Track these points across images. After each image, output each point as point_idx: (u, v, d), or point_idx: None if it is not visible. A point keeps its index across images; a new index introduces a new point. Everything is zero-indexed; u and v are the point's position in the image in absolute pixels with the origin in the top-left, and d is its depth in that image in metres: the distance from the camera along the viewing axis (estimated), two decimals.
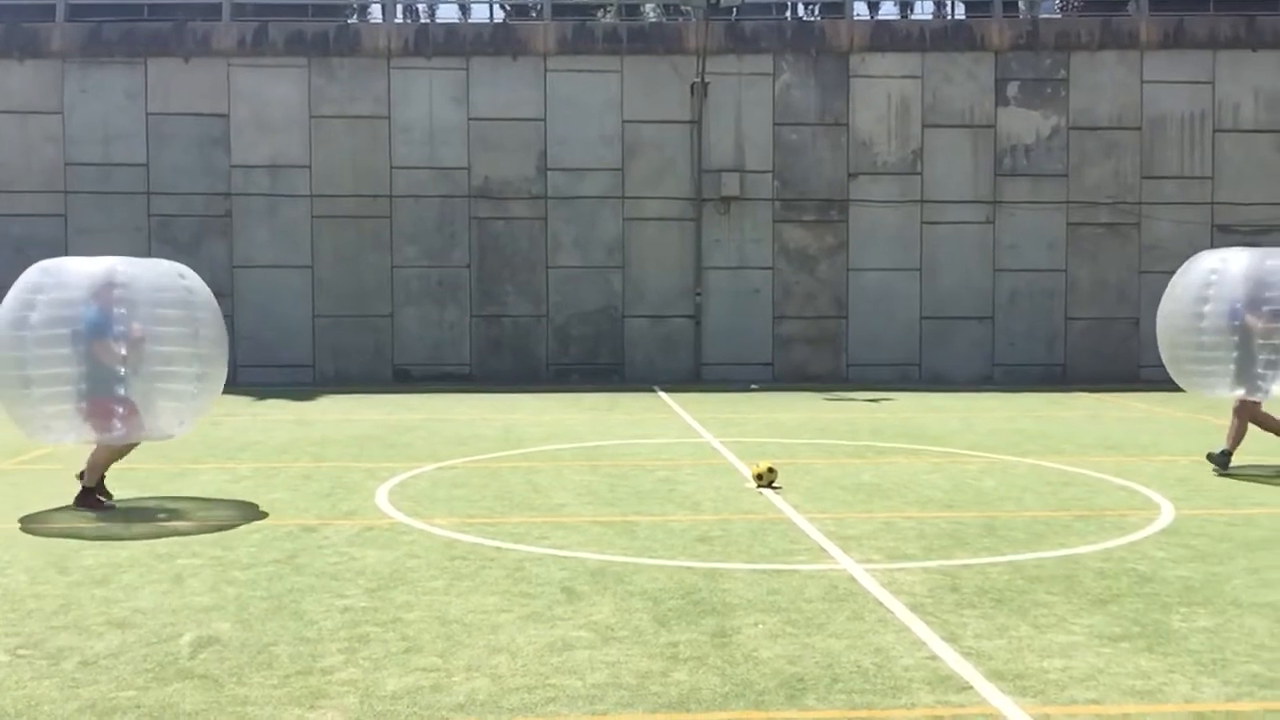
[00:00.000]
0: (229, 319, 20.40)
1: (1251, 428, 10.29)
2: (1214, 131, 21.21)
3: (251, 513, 8.33)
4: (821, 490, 9.26)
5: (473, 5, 23.92)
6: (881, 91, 21.04)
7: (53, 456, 10.61)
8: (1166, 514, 8.23)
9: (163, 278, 8.22)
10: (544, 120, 20.83)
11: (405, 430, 13.33)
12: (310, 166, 20.70)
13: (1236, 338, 9.86)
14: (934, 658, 4.96)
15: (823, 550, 7.07)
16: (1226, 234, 21.12)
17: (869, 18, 22.85)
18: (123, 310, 7.83)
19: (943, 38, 21.31)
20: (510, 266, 20.84)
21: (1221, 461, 10.17)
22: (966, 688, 4.60)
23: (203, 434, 13.14)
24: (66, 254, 20.40)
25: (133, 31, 20.71)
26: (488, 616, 5.58)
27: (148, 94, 20.59)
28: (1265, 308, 9.74)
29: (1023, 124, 21.15)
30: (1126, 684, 4.64)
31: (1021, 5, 22.68)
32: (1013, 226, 21.03)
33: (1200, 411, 15.59)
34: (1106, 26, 21.36)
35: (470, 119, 20.80)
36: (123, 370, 7.85)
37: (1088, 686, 4.61)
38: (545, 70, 20.84)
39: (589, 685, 4.61)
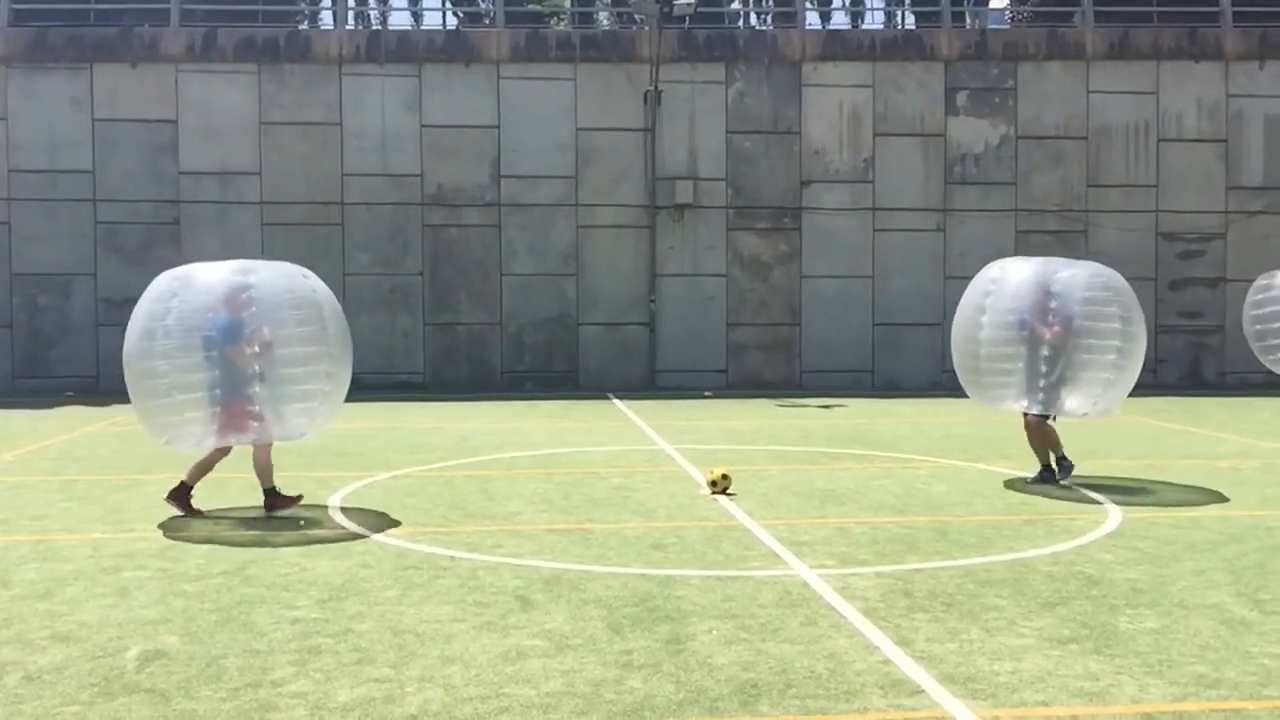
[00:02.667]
0: None
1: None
2: (1158, 141, 21.60)
3: (200, 524, 8.21)
4: (775, 496, 9.29)
5: (425, 12, 23.84)
6: (833, 100, 21.21)
7: None
8: (1114, 517, 8.35)
9: (289, 279, 8.27)
10: (498, 127, 20.78)
11: (358, 439, 13.21)
12: (260, 173, 20.50)
13: (1024, 348, 9.46)
14: (886, 662, 4.99)
15: (776, 556, 7.09)
16: (1170, 241, 21.51)
17: (820, 27, 23.06)
18: (253, 312, 7.87)
19: (893, 47, 21.53)
20: (464, 274, 20.75)
21: (1066, 469, 9.80)
22: (919, 691, 4.63)
23: (150, 444, 12.94)
24: (10, 261, 20.08)
25: (78, 37, 20.41)
26: (441, 626, 5.54)
27: (94, 100, 20.30)
28: (1051, 317, 9.37)
29: (972, 133, 21.41)
30: (1075, 686, 4.69)
31: (969, 16, 22.98)
32: (963, 234, 21.27)
33: (1149, 416, 15.84)
34: (1053, 37, 21.69)
35: (423, 126, 20.70)
36: (254, 374, 7.87)
37: (1037, 689, 4.66)
38: (499, 77, 20.80)
39: (543, 694, 4.59)
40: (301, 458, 11.68)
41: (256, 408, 7.96)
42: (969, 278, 21.85)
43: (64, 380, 20.04)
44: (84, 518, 8.45)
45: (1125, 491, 9.53)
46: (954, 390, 20.49)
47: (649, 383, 20.80)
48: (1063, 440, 9.93)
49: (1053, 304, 9.40)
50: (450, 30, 22.29)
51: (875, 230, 21.20)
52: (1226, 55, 21.61)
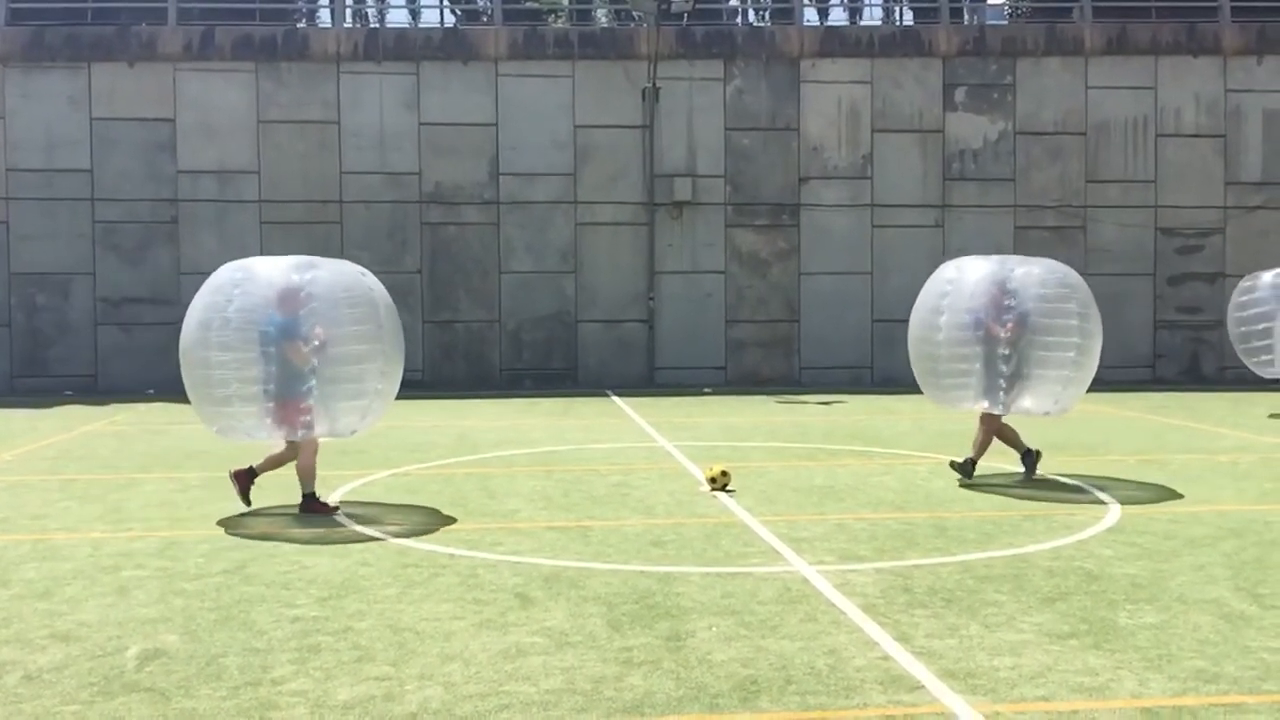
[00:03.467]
0: (175, 326, 20.27)
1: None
2: (1156, 136, 21.60)
3: (200, 522, 8.21)
4: (774, 493, 9.29)
5: (423, 9, 23.83)
6: (831, 97, 21.20)
7: None
8: (1113, 513, 8.35)
9: (348, 277, 8.31)
10: (496, 125, 20.77)
11: (357, 437, 13.19)
12: (259, 172, 20.49)
13: (981, 348, 9.38)
14: (886, 658, 4.99)
15: (776, 553, 7.10)
16: (1169, 236, 21.51)
17: (819, 24, 23.04)
18: (311, 310, 7.89)
19: (891, 44, 21.52)
20: (462, 272, 20.74)
21: (966, 470, 9.71)
22: (918, 687, 4.63)
23: (149, 443, 12.96)
24: (8, 260, 20.07)
25: (76, 36, 20.39)
26: (440, 624, 5.54)
27: (91, 99, 20.28)
28: (1005, 316, 9.26)
29: (970, 129, 21.41)
30: (1075, 681, 4.69)
31: (967, 12, 22.97)
32: (961, 230, 21.26)
33: (1147, 411, 15.86)
34: (1051, 33, 21.68)
35: (421, 124, 20.69)
36: (308, 371, 7.89)
37: (1037, 684, 4.66)
38: (497, 75, 20.79)
39: (543, 691, 4.59)
40: None
41: (309, 404, 7.99)
42: None
43: (63, 379, 20.04)
44: (83, 517, 8.44)
45: (1124, 487, 9.54)
46: None
47: (648, 380, 20.80)
48: (1023, 439, 9.93)
49: (1008, 302, 9.28)
50: (448, 28, 22.28)
51: (874, 227, 21.19)
52: (1225, 50, 21.60)
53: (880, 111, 21.26)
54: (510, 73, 20.80)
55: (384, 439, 13.07)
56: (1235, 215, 21.60)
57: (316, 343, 7.87)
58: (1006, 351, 9.28)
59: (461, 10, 23.76)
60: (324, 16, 23.54)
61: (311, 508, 8.43)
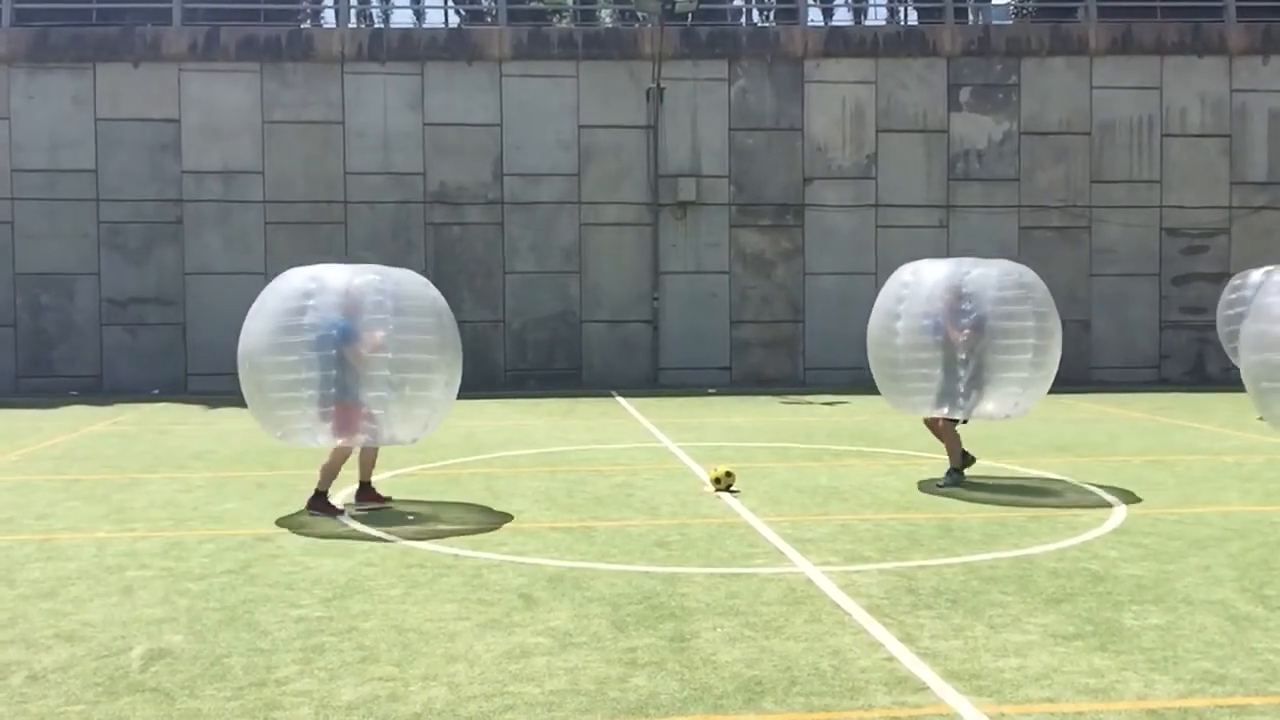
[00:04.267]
0: (180, 326, 20.38)
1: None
2: (1161, 136, 21.57)
3: (204, 523, 8.22)
4: (779, 493, 9.28)
5: (427, 10, 23.84)
6: (836, 97, 21.19)
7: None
8: (1118, 513, 8.34)
9: (414, 286, 8.44)
10: (500, 125, 20.77)
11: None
12: (263, 172, 20.51)
13: (940, 352, 9.18)
14: (891, 659, 4.99)
15: (780, 553, 7.09)
16: (1174, 237, 21.48)
17: (823, 24, 23.02)
18: (376, 317, 7.97)
19: (896, 43, 21.50)
20: (466, 272, 20.75)
21: (955, 480, 9.56)
22: (923, 688, 4.62)
23: (153, 443, 12.97)
24: (13, 261, 20.09)
25: (80, 36, 20.42)
26: (445, 624, 5.54)
27: (96, 99, 20.31)
28: (963, 320, 9.09)
29: (975, 129, 21.39)
30: (1080, 682, 4.68)
31: (971, 12, 22.95)
32: (966, 230, 21.24)
33: (1152, 412, 15.83)
34: (1056, 33, 21.66)
35: (425, 124, 20.70)
36: (371, 377, 7.96)
37: (1042, 685, 4.65)
38: (501, 75, 20.79)
39: (547, 692, 4.59)
40: (305, 456, 11.67)
41: (370, 410, 8.06)
42: None
43: (67, 380, 20.07)
44: (88, 517, 8.45)
45: (1130, 487, 9.51)
46: None
47: (652, 380, 20.80)
48: (963, 444, 9.72)
49: (965, 305, 9.12)
50: (452, 28, 22.29)
51: (878, 227, 21.18)
52: (1230, 50, 21.57)
53: (884, 111, 21.25)
54: (514, 73, 20.80)
55: None
56: (1240, 215, 21.57)
57: (376, 352, 7.94)
58: (964, 356, 9.10)
59: (466, 10, 23.77)
60: (328, 17, 23.56)
61: (318, 505, 8.44)
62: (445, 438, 13.18)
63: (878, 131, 21.25)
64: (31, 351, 20.30)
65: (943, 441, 9.77)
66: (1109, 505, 8.70)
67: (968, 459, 9.70)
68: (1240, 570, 6.57)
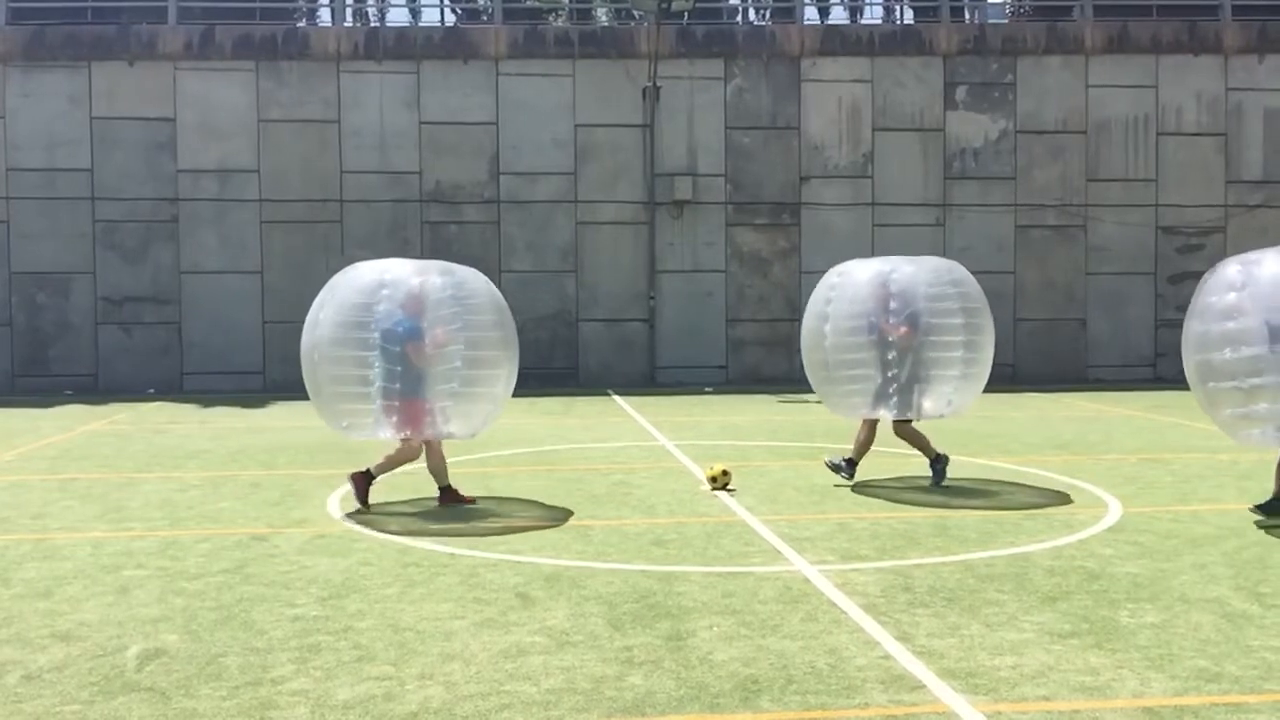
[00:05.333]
0: (176, 325, 20.36)
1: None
2: (1157, 135, 21.59)
3: (200, 522, 8.21)
4: (775, 492, 9.28)
5: (423, 9, 23.82)
6: (832, 95, 21.19)
7: None
8: (1114, 512, 8.35)
9: (482, 284, 8.58)
10: (496, 124, 20.76)
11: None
12: (259, 171, 20.49)
13: (875, 352, 9.09)
14: (887, 657, 4.99)
15: (777, 552, 7.09)
16: (1170, 235, 21.50)
17: (819, 22, 23.02)
18: (451, 314, 8.10)
19: (892, 42, 21.51)
20: None
21: (938, 473, 9.52)
22: (919, 686, 4.62)
23: (149, 442, 12.95)
24: (9, 260, 20.05)
25: (76, 35, 20.39)
26: (441, 623, 5.54)
27: (92, 98, 20.28)
28: (893, 318, 8.99)
29: (971, 128, 21.40)
30: (1076, 680, 4.69)
31: (967, 10, 22.96)
32: (962, 229, 21.26)
33: (1148, 410, 15.84)
34: (1052, 31, 21.67)
35: (422, 123, 20.69)
36: (433, 373, 8.09)
37: (1038, 684, 4.65)
38: (497, 74, 20.78)
39: (543, 691, 4.58)
40: (300, 455, 11.69)
41: (432, 405, 8.16)
42: (970, 273, 21.74)
43: (63, 379, 20.04)
44: (84, 516, 8.44)
45: (1125, 485, 9.53)
46: None
47: (649, 379, 20.79)
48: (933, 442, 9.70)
49: (893, 304, 9.01)
50: (448, 27, 22.27)
51: (875, 226, 21.18)
52: (1226, 49, 21.59)
53: (881, 110, 21.26)
54: (511, 72, 20.79)
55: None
56: (1236, 214, 21.59)
57: (438, 348, 8.06)
58: (893, 355, 9.01)
59: (462, 9, 23.74)
60: (324, 15, 23.54)
61: (449, 499, 8.62)
62: None
63: (874, 130, 21.26)
64: (27, 350, 20.27)
65: (911, 444, 9.63)
66: (1105, 503, 8.71)
67: (941, 458, 9.59)
68: (1236, 568, 6.58)
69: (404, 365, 8.03)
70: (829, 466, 9.62)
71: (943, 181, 21.35)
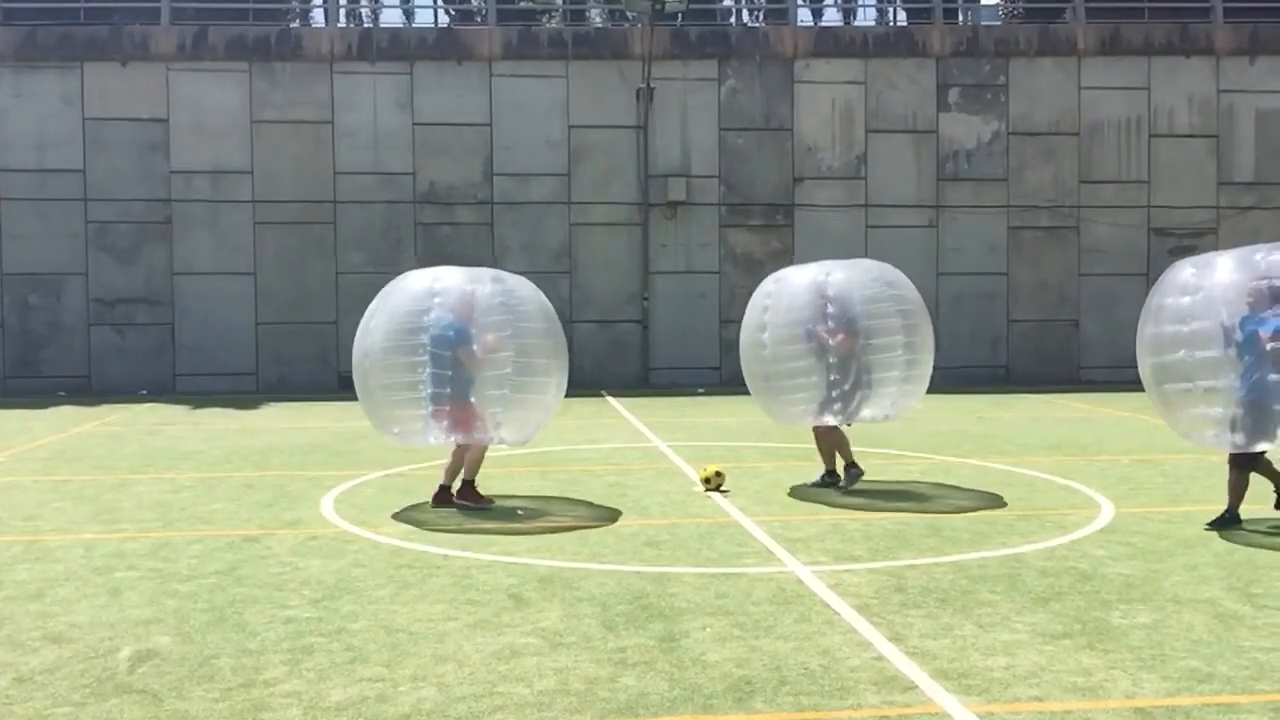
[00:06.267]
0: (168, 326, 20.32)
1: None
2: (1149, 136, 21.64)
3: (192, 523, 8.19)
4: (768, 493, 9.29)
5: (416, 9, 23.80)
6: (825, 97, 21.22)
7: None
8: (1107, 512, 8.36)
9: (533, 291, 8.70)
10: (490, 125, 20.76)
11: (351, 438, 13.19)
12: (252, 172, 20.46)
13: (814, 360, 8.98)
14: (880, 658, 4.99)
15: (770, 553, 7.09)
16: (1162, 237, 21.55)
17: (812, 24, 23.05)
18: (491, 320, 8.18)
19: (885, 44, 21.54)
20: None
21: (854, 475, 9.32)
22: (912, 687, 4.63)
23: (141, 443, 12.93)
24: (1, 261, 20.00)
25: (68, 35, 20.35)
26: (434, 625, 5.53)
27: (84, 99, 20.24)
28: (832, 323, 8.87)
29: (964, 129, 21.43)
30: (1068, 681, 4.69)
31: (960, 12, 23.00)
32: (955, 230, 21.29)
33: (1140, 411, 15.87)
34: (1045, 33, 21.71)
35: (415, 124, 20.67)
36: (484, 378, 8.17)
37: (1031, 684, 4.66)
38: (491, 75, 20.77)
39: (536, 692, 4.58)
40: (293, 456, 11.67)
41: (482, 410, 8.24)
42: (962, 274, 21.85)
43: (55, 380, 19.99)
44: (76, 518, 8.42)
45: (1118, 486, 9.55)
46: (946, 387, 20.56)
47: (642, 380, 20.79)
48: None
49: (830, 310, 8.91)
50: (442, 28, 22.25)
51: (868, 227, 21.21)
52: (1217, 50, 21.65)
53: (874, 111, 21.28)
54: (504, 73, 20.79)
55: (377, 439, 13.02)
56: (1228, 215, 21.65)
57: (489, 353, 8.13)
58: (835, 361, 8.90)
59: (455, 10, 23.73)
60: (318, 16, 23.50)
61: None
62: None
63: (867, 131, 21.28)
64: (19, 352, 20.21)
65: (820, 447, 9.45)
66: (1097, 504, 8.72)
67: (842, 472, 9.41)
68: (1227, 569, 6.60)
69: (455, 370, 8.10)
70: (827, 486, 9.44)
71: (935, 183, 21.38)
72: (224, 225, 20.40)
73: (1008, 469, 10.59)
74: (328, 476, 10.25)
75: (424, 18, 25.12)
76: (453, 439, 8.39)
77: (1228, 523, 7.73)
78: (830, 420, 9.19)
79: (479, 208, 20.75)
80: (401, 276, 8.82)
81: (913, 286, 9.43)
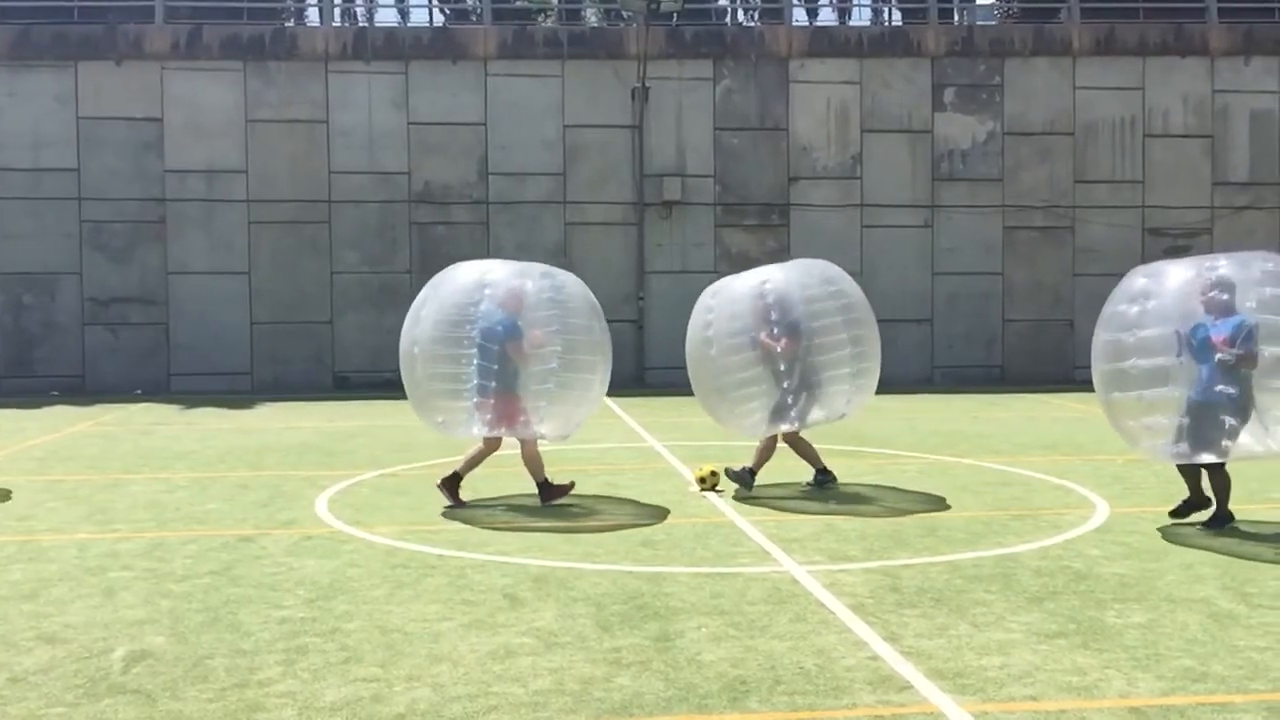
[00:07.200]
0: (163, 326, 20.28)
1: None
2: (1144, 136, 21.67)
3: (187, 523, 8.18)
4: (763, 493, 9.29)
5: (411, 9, 23.79)
6: (820, 97, 21.23)
7: None
8: (1102, 512, 8.37)
9: (582, 288, 8.76)
10: (485, 125, 20.74)
11: (346, 438, 13.18)
12: (247, 171, 20.43)
13: (761, 367, 8.86)
14: (875, 658, 4.99)
15: (765, 552, 7.09)
16: (1157, 237, 21.58)
17: (807, 24, 23.06)
18: (540, 315, 8.25)
19: (880, 44, 21.55)
20: None
21: (744, 480, 9.19)
22: (907, 687, 4.63)
23: (135, 443, 12.91)
24: None
25: (62, 34, 20.30)
26: (429, 625, 5.52)
27: (78, 98, 20.20)
28: (776, 329, 8.75)
29: (959, 129, 21.45)
30: (1063, 680, 4.70)
31: (956, 12, 23.03)
32: (950, 230, 21.31)
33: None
34: (1039, 33, 21.74)
35: (410, 123, 20.66)
36: (531, 372, 8.23)
37: (1025, 684, 4.66)
38: (486, 74, 20.76)
39: (531, 692, 4.58)
40: (288, 456, 11.66)
41: (527, 404, 8.29)
42: (957, 274, 21.89)
43: (49, 380, 19.95)
44: (70, 518, 8.40)
45: (1112, 486, 9.56)
46: (942, 387, 20.59)
47: (638, 380, 20.79)
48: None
49: (773, 315, 8.79)
50: (437, 27, 22.24)
51: (863, 226, 21.22)
52: (1212, 51, 21.69)
53: (869, 111, 21.30)
54: (499, 72, 20.78)
55: (372, 439, 13.04)
56: (1222, 215, 21.69)
57: (538, 348, 8.19)
58: (783, 367, 8.78)
59: (450, 9, 23.71)
60: (312, 15, 23.47)
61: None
62: (427, 437, 13.13)
63: (862, 131, 21.30)
64: (13, 351, 20.17)
65: (762, 452, 9.29)
66: (1092, 504, 8.74)
67: (744, 480, 9.28)
68: (1222, 568, 6.61)
69: (501, 363, 8.16)
70: (821, 485, 9.40)
71: (930, 183, 21.40)
72: (218, 225, 20.37)
73: (1003, 469, 10.60)
74: (322, 476, 10.24)
75: (419, 17, 25.10)
76: (495, 432, 8.45)
77: (1184, 512, 7.76)
78: (785, 427, 9.04)
79: (474, 207, 20.74)
80: (452, 267, 8.93)
81: (853, 281, 9.39)
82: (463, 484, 8.78)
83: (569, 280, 8.78)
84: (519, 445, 8.70)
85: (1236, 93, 21.72)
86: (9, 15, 20.60)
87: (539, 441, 8.68)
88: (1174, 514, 7.83)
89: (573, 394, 8.43)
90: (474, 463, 8.79)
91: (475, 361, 8.16)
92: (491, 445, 8.74)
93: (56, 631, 5.45)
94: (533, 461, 8.68)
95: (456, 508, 8.57)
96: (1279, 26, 22.04)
